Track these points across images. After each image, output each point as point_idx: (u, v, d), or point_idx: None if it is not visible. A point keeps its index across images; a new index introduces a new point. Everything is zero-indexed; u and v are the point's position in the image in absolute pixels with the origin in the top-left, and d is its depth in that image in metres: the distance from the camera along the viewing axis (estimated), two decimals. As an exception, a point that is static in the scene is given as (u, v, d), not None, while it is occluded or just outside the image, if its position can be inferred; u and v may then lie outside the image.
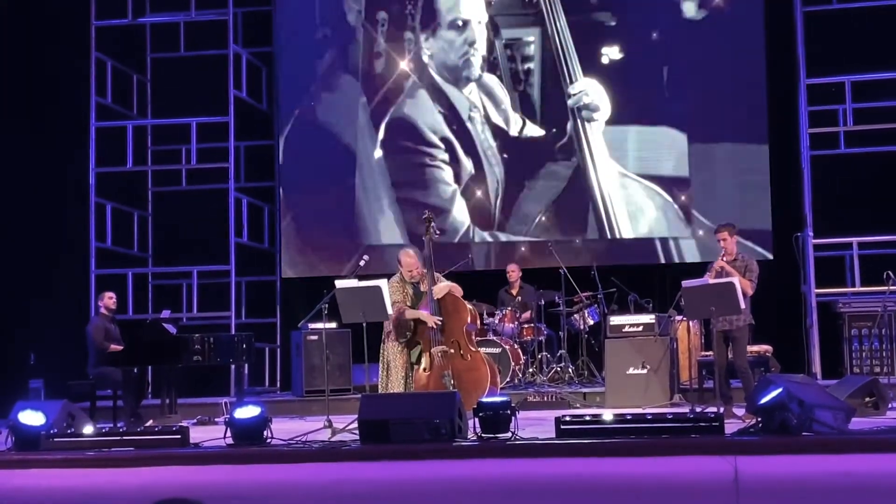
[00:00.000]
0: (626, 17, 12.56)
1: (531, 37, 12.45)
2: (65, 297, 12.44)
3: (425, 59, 12.59)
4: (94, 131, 13.11)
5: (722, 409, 8.13)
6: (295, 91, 13.55)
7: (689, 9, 12.57)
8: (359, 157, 13.07)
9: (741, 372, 8.98)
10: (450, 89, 12.57)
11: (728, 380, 9.09)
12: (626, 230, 12.57)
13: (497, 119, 12.66)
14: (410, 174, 12.80)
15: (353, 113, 13.15)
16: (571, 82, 12.57)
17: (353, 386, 11.49)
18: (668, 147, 12.66)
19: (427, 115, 12.71)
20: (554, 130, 12.62)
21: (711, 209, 12.50)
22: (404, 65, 12.70)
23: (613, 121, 12.63)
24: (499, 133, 12.70)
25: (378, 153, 12.91)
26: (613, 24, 12.33)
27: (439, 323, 8.54)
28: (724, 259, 9.01)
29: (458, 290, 8.74)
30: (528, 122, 12.70)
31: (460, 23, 12.46)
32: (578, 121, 12.51)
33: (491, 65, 12.60)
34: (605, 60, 12.50)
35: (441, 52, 12.54)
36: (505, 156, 12.66)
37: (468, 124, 12.59)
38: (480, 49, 12.49)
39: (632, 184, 12.60)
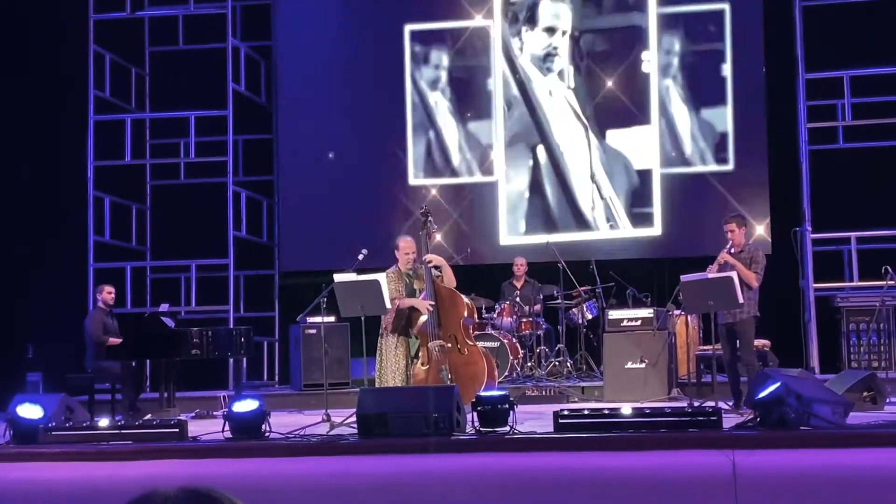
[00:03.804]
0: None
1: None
2: (63, 291, 12.36)
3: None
4: (93, 125, 13.09)
5: (731, 404, 8.15)
6: (298, 85, 13.53)
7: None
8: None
9: (748, 366, 8.81)
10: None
11: (738, 376, 8.93)
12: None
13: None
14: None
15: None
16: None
17: (352, 380, 11.47)
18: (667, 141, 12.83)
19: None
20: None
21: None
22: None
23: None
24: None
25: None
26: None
27: (432, 308, 8.52)
28: (732, 251, 8.88)
29: (451, 279, 8.75)
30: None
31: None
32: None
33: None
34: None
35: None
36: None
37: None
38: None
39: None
